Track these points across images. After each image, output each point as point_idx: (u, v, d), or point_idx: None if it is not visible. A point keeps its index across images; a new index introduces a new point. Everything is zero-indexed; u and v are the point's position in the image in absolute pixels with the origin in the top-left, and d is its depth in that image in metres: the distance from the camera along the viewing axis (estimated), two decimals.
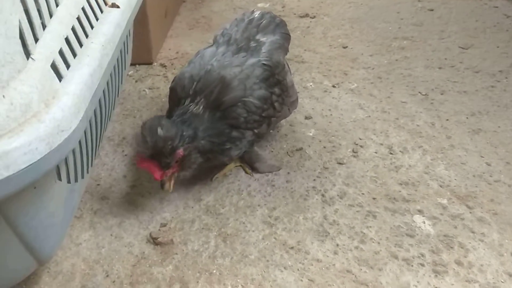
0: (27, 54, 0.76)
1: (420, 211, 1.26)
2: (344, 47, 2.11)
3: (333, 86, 1.82)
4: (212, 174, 1.38)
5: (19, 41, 0.74)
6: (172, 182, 1.17)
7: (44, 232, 0.89)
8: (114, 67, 1.23)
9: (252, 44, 1.36)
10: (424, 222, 1.22)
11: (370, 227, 1.21)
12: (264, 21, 1.43)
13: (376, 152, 1.47)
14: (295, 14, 2.43)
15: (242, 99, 1.22)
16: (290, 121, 1.61)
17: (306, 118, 1.64)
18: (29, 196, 0.79)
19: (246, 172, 1.40)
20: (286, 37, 1.50)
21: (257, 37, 1.39)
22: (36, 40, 0.80)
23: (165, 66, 1.94)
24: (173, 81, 1.30)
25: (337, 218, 1.24)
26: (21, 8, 0.76)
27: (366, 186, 1.34)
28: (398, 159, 1.44)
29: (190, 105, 1.20)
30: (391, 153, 1.47)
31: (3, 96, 0.69)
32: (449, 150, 1.48)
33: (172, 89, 1.29)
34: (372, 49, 2.09)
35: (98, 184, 1.35)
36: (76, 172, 1.00)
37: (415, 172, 1.39)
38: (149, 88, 1.79)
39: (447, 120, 1.61)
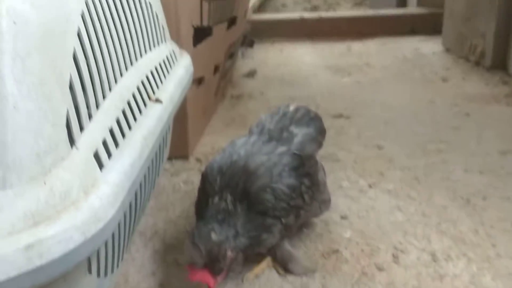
0: (72, 142, 0.77)
1: None
2: (379, 148, 2.10)
3: (369, 186, 1.78)
4: (241, 274, 1.31)
5: (65, 129, 0.75)
6: None
7: None
8: (152, 159, 1.24)
9: (285, 134, 1.36)
10: None
11: None
12: (298, 114, 1.45)
13: (418, 259, 1.38)
14: (329, 114, 2.47)
15: (270, 185, 1.20)
16: (325, 221, 1.56)
17: (342, 218, 1.58)
18: None
19: (278, 273, 1.33)
20: (321, 131, 1.50)
21: (290, 128, 1.39)
22: (82, 129, 0.81)
23: (200, 160, 1.95)
24: (204, 169, 1.30)
25: None
26: (70, 99, 0.78)
27: None
28: (442, 267, 1.35)
29: (221, 203, 1.18)
30: (434, 261, 1.37)
31: (44, 182, 0.69)
32: (495, 260, 1.38)
33: (203, 178, 1.28)
34: (408, 150, 2.07)
35: (126, 281, 1.30)
36: (106, 265, 0.96)
37: (460, 282, 1.29)
38: (184, 182, 1.80)
39: (492, 227, 1.53)
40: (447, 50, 3.64)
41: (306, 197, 1.29)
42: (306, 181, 1.29)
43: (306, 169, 1.30)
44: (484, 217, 1.58)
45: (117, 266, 1.09)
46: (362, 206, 1.65)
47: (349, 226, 1.54)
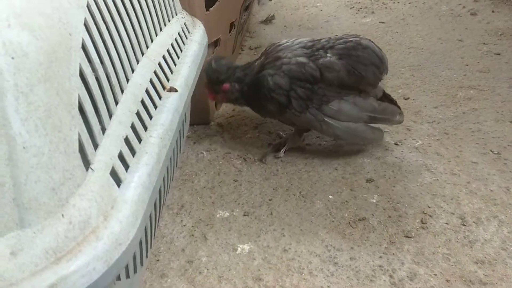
0: (87, 165, 0.75)
1: None
2: (405, 99, 2.02)
3: (396, 144, 1.74)
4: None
5: (78, 155, 0.73)
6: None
7: None
8: (173, 145, 1.22)
9: (320, 52, 1.55)
10: None
11: None
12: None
13: (447, 223, 1.37)
14: None
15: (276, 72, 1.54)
16: (351, 185, 1.54)
17: (367, 181, 1.56)
18: None
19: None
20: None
21: (328, 51, 1.55)
22: (96, 146, 0.79)
23: (222, 125, 1.93)
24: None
25: None
26: (81, 120, 0.75)
27: (439, 265, 1.24)
28: (472, 232, 1.33)
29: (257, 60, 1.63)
30: (464, 225, 1.36)
31: (62, 215, 0.68)
32: None
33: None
34: (436, 100, 1.99)
35: (158, 260, 1.34)
36: (135, 265, 0.98)
37: (492, 248, 1.28)
38: (207, 150, 1.79)
39: None
40: None
41: (294, 101, 1.54)
42: (301, 89, 1.54)
43: (317, 86, 1.53)
44: None
45: (147, 256, 1.11)
46: (388, 166, 1.62)
47: (375, 190, 1.52)
